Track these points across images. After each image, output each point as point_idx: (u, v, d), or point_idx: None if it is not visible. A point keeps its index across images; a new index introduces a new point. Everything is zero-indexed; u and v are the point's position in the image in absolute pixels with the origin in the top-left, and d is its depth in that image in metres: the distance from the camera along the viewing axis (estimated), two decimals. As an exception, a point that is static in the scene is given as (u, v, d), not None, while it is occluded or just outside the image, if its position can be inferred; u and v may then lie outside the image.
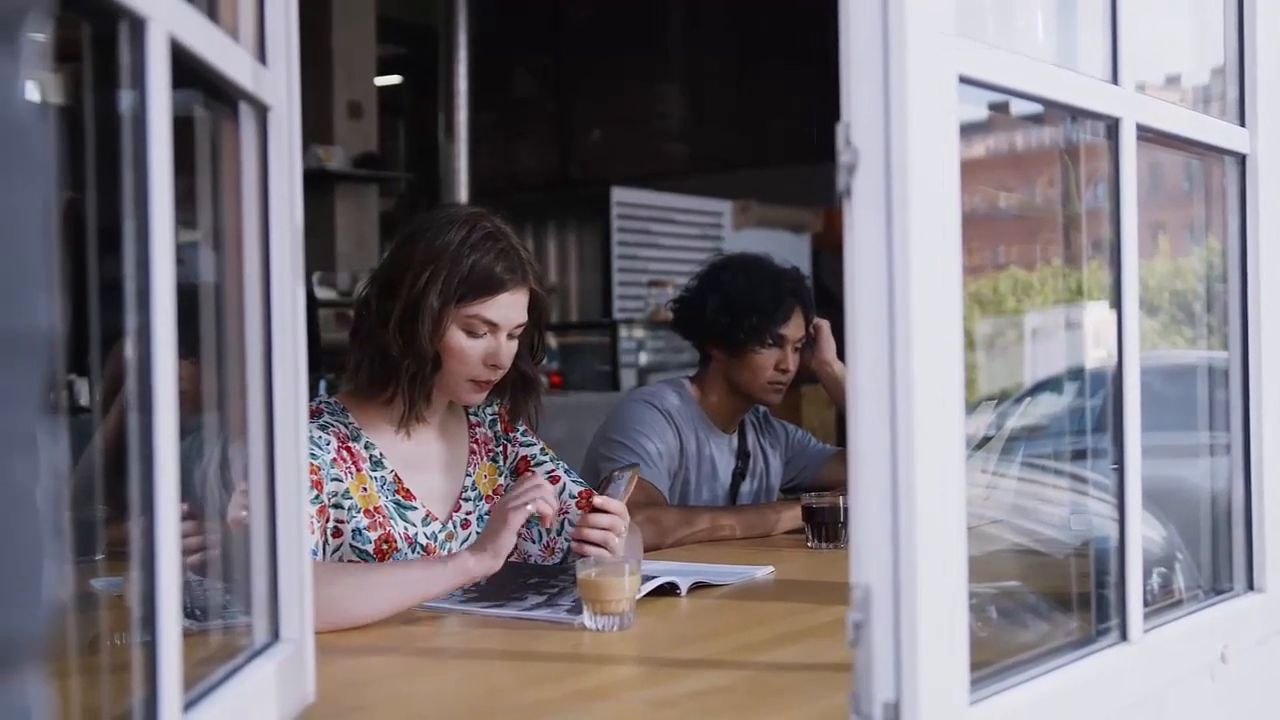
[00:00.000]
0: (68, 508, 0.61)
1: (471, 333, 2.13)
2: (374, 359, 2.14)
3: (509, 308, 2.15)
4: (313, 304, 4.80)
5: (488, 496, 2.30)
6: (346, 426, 2.16)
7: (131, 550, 0.99)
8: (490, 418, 2.36)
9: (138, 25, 0.95)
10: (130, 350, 0.97)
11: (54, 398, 0.60)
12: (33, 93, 0.57)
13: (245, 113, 1.29)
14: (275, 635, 1.33)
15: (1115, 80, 1.46)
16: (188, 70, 1.07)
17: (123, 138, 0.98)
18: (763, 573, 2.28)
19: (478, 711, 1.49)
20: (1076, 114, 1.50)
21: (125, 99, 0.97)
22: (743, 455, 3.06)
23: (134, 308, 0.96)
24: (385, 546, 2.12)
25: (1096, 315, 1.85)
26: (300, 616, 1.35)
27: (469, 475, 2.29)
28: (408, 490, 2.18)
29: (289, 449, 1.34)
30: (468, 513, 2.27)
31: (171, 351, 0.98)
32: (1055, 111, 1.54)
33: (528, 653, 1.73)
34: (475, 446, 2.32)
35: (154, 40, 0.97)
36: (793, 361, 2.93)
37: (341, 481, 2.09)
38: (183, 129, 1.05)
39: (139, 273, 0.96)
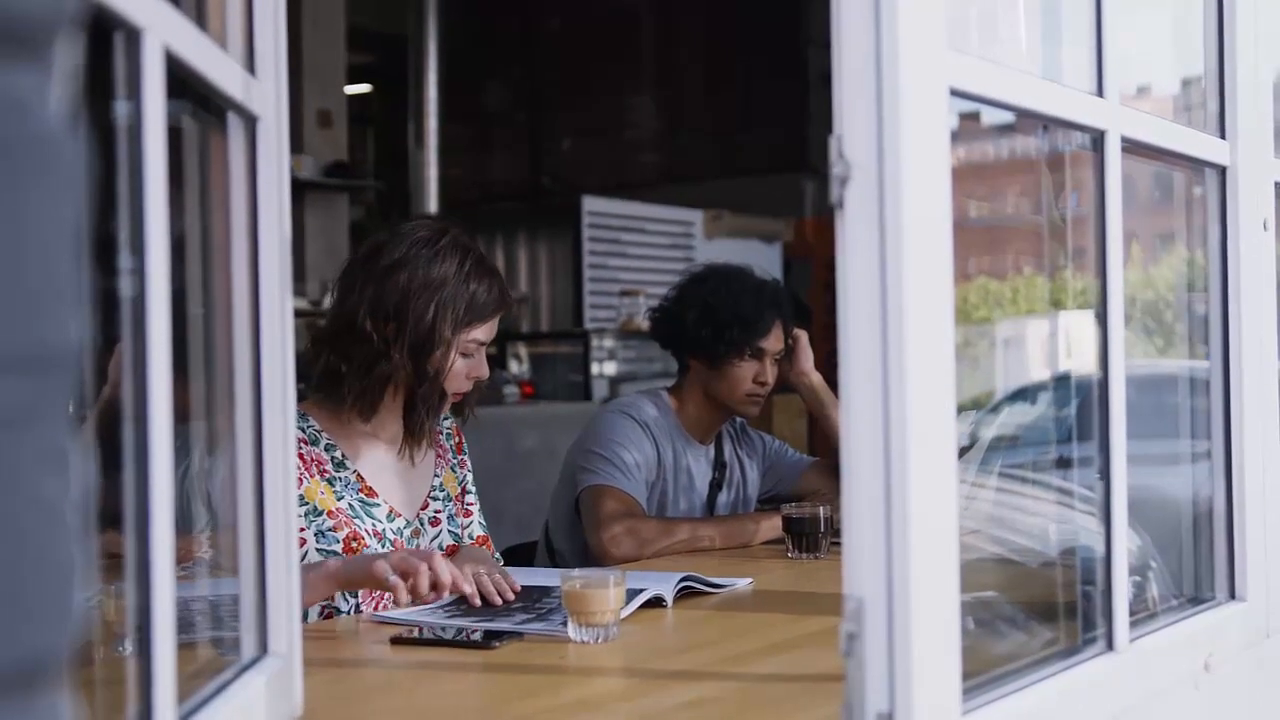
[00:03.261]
0: (91, 522, 0.61)
1: (465, 354, 2.23)
2: (377, 385, 2.19)
3: (495, 326, 2.27)
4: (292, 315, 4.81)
5: (455, 498, 2.38)
6: (304, 431, 2.18)
7: (125, 563, 0.98)
8: (446, 431, 2.44)
9: (133, 36, 0.95)
10: (126, 360, 0.96)
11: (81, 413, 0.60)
12: (63, 108, 0.57)
13: (234, 123, 1.28)
14: (264, 649, 1.32)
15: (1100, 93, 1.47)
16: (178, 80, 1.06)
17: (116, 147, 0.97)
18: (743, 584, 2.28)
19: (465, 724, 1.49)
20: (1063, 126, 1.51)
21: (119, 109, 0.97)
22: (719, 466, 3.06)
23: (129, 319, 0.95)
24: (355, 544, 2.17)
25: (1069, 325, 1.86)
26: (289, 631, 1.34)
27: (437, 476, 2.36)
28: (370, 488, 2.24)
29: (277, 462, 1.33)
30: (436, 511, 2.34)
31: (166, 363, 0.97)
32: (1027, 121, 1.55)
33: (513, 665, 1.72)
34: (440, 450, 2.40)
35: (149, 51, 0.96)
36: (771, 374, 2.93)
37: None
38: (170, 139, 1.04)
39: (135, 282, 0.95)
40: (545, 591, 2.11)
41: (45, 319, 0.53)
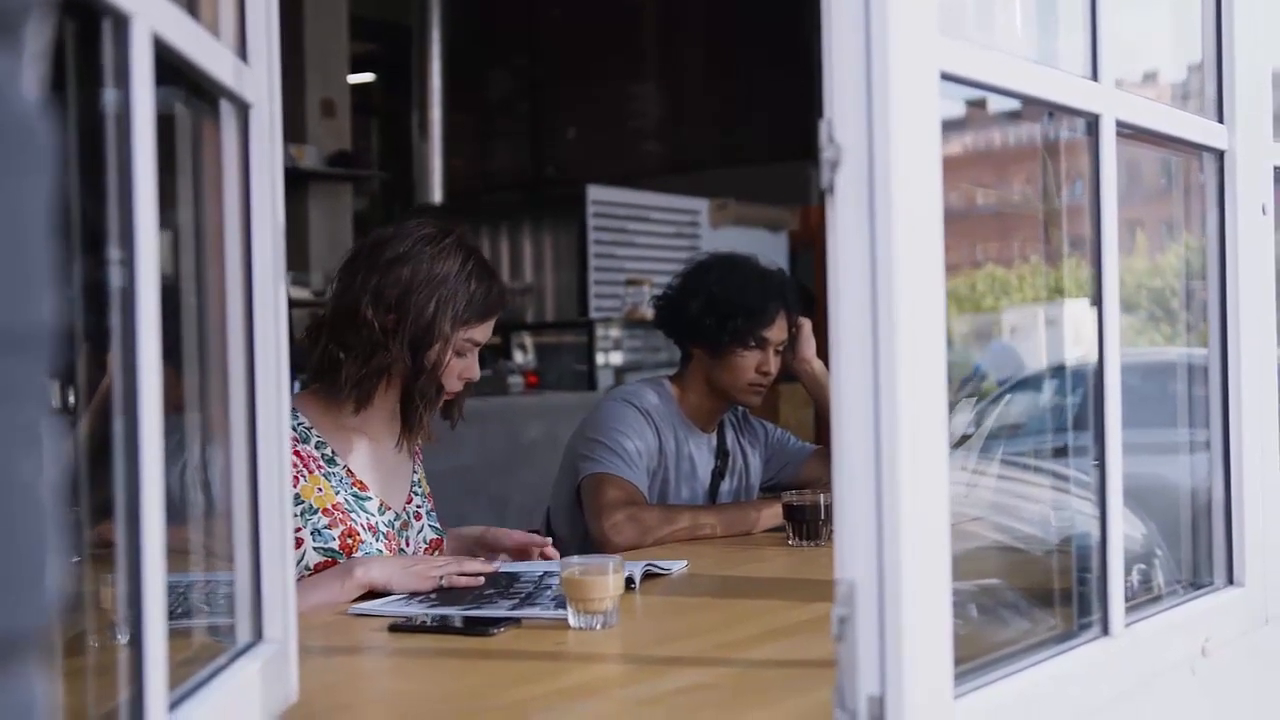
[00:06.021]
0: (67, 504, 0.61)
1: (460, 353, 2.25)
2: (375, 375, 2.21)
3: (490, 328, 2.30)
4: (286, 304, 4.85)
5: (428, 495, 2.42)
6: (295, 429, 2.19)
7: (116, 552, 0.98)
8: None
9: (121, 22, 0.95)
10: (115, 352, 0.96)
11: (56, 394, 0.60)
12: (34, 90, 0.57)
13: (226, 111, 1.29)
14: (258, 635, 1.32)
15: (1095, 77, 1.47)
16: (169, 67, 1.06)
17: (105, 135, 0.97)
18: (679, 566, 2.30)
19: (461, 711, 1.49)
20: (1057, 110, 1.51)
21: (107, 96, 0.97)
22: (722, 454, 3.06)
23: (118, 309, 0.96)
24: (350, 541, 2.18)
25: (1074, 313, 1.85)
26: (283, 617, 1.34)
27: (415, 473, 2.40)
28: (361, 482, 2.26)
29: (271, 449, 1.33)
30: (417, 506, 2.37)
31: (156, 353, 0.97)
32: (1034, 108, 1.55)
33: (510, 651, 1.72)
34: (417, 449, 2.42)
35: (138, 37, 0.96)
36: (774, 364, 2.92)
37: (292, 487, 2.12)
38: (162, 127, 1.04)
39: (124, 273, 0.96)
40: (514, 578, 2.13)
41: (17, 299, 0.53)
